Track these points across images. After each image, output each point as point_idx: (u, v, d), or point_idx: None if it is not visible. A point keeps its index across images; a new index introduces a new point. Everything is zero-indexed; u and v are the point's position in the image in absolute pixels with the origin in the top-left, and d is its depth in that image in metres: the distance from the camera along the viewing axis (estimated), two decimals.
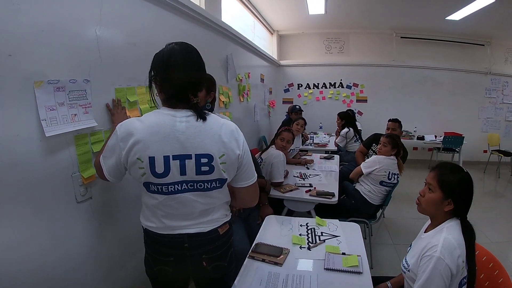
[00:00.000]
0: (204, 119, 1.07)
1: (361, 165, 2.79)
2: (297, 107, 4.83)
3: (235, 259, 1.32)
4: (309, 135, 5.16)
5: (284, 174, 2.82)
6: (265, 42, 6.10)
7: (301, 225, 1.88)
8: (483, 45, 6.33)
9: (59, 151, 1.25)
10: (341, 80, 6.74)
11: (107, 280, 1.56)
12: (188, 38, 2.39)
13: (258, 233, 1.78)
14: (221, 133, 1.08)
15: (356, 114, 6.43)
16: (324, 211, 2.55)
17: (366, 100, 6.74)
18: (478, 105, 6.58)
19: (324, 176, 3.11)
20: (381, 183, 2.67)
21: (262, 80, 5.22)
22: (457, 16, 5.05)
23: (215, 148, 1.06)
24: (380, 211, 2.82)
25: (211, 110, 1.80)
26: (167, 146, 1.02)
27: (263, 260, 1.47)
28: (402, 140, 5.74)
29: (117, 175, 1.14)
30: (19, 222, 1.11)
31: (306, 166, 3.49)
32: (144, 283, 1.36)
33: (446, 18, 5.18)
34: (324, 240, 1.69)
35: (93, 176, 1.39)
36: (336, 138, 4.88)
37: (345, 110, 5.03)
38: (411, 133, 6.15)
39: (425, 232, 1.38)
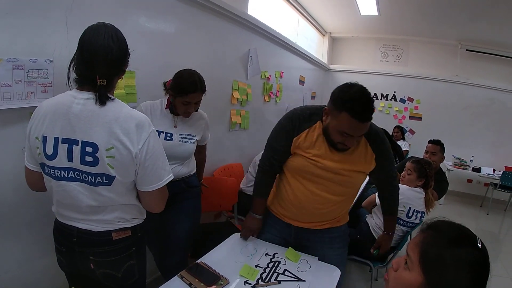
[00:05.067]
0: (102, 103, 0.96)
1: (376, 193, 2.20)
2: None
3: (141, 274, 1.21)
4: None
5: None
6: (313, 43, 5.72)
7: (266, 254, 1.50)
8: None
9: (10, 125, 1.31)
10: (394, 92, 5.98)
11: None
12: (195, 27, 2.45)
13: (210, 252, 1.48)
14: (116, 123, 0.97)
15: (408, 133, 5.77)
16: None
17: (421, 118, 5.88)
18: None
19: None
20: (397, 220, 2.06)
21: (301, 82, 4.89)
22: None
23: (102, 138, 0.96)
24: (392, 254, 2.20)
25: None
26: (58, 127, 0.97)
27: (190, 285, 1.22)
28: (455, 168, 5.11)
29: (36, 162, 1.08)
30: None
31: None
32: None
33: None
34: (280, 281, 1.31)
35: None
36: None
37: (380, 127, 4.42)
38: (466, 162, 5.24)
39: None
